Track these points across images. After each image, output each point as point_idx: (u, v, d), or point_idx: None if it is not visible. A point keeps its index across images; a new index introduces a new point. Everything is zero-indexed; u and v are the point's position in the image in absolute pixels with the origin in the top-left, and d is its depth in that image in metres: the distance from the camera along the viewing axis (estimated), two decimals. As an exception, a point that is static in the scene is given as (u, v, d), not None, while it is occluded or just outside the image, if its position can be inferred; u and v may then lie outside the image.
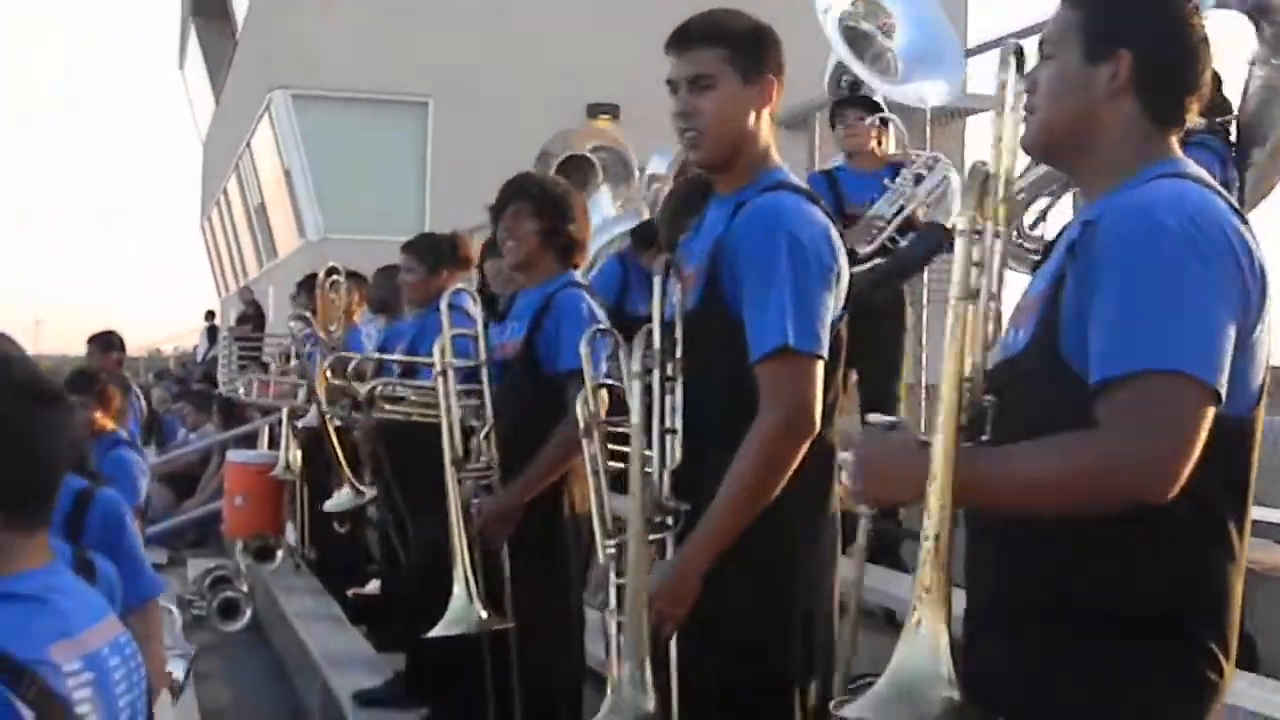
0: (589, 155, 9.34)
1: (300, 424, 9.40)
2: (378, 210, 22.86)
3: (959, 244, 2.22)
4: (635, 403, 3.29)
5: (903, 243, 6.95)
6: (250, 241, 30.93)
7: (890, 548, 6.68)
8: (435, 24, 23.02)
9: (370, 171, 23.72)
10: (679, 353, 3.37)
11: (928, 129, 8.07)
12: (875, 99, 7.17)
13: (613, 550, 3.59)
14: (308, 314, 9.33)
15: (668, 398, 3.34)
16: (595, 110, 21.39)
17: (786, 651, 3.35)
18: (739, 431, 3.25)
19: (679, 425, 3.32)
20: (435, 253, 7.50)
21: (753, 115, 3.43)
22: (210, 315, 31.95)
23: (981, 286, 2.21)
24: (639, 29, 22.48)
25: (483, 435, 5.13)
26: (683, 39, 3.45)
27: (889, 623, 6.30)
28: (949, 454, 2.15)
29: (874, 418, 2.40)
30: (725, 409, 3.30)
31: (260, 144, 26.86)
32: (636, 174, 9.46)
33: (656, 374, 3.34)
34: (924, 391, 8.27)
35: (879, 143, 7.18)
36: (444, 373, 5.14)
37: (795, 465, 3.26)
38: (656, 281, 3.39)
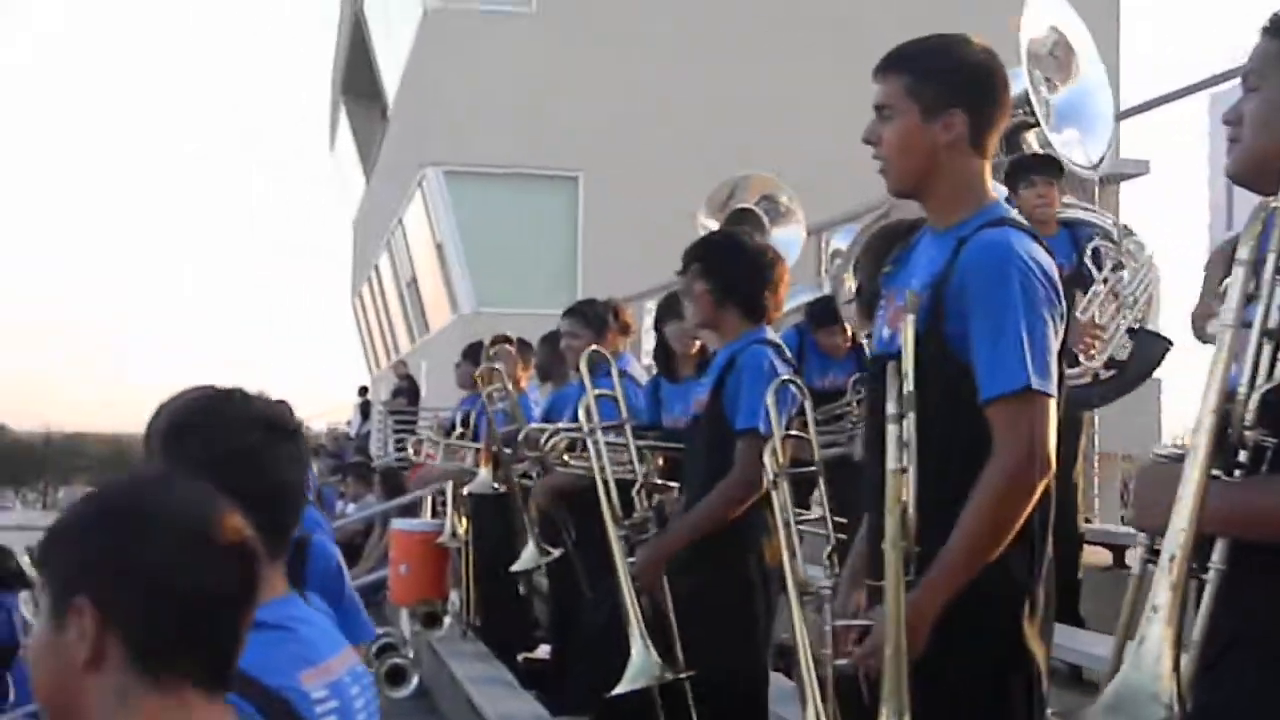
0: (753, 208, 9.29)
1: (468, 490, 9.43)
2: (529, 283, 23.09)
3: (1237, 272, 2.22)
4: (892, 446, 3.18)
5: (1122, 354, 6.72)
6: (401, 316, 31.37)
7: (1070, 607, 6.55)
8: (584, 98, 23.28)
9: (522, 245, 23.99)
10: (909, 388, 3.29)
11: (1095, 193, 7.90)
12: (1056, 158, 6.93)
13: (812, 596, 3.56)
14: (489, 374, 9.29)
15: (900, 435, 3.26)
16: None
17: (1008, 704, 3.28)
18: (948, 467, 3.20)
19: (908, 463, 3.22)
20: (598, 318, 7.56)
21: (941, 150, 3.37)
22: (364, 390, 32.38)
23: (1256, 318, 2.21)
24: (789, 95, 22.71)
25: (634, 491, 5.29)
26: (879, 64, 3.44)
27: (1074, 680, 6.21)
28: (1199, 478, 2.12)
29: (1160, 448, 2.38)
30: (938, 445, 3.23)
31: (412, 219, 27.29)
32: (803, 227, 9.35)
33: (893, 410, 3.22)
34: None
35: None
36: (592, 433, 5.36)
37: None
38: (906, 320, 3.29)
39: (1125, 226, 7.06)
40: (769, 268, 5.27)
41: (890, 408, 3.17)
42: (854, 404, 7.11)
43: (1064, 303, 3.31)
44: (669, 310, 6.77)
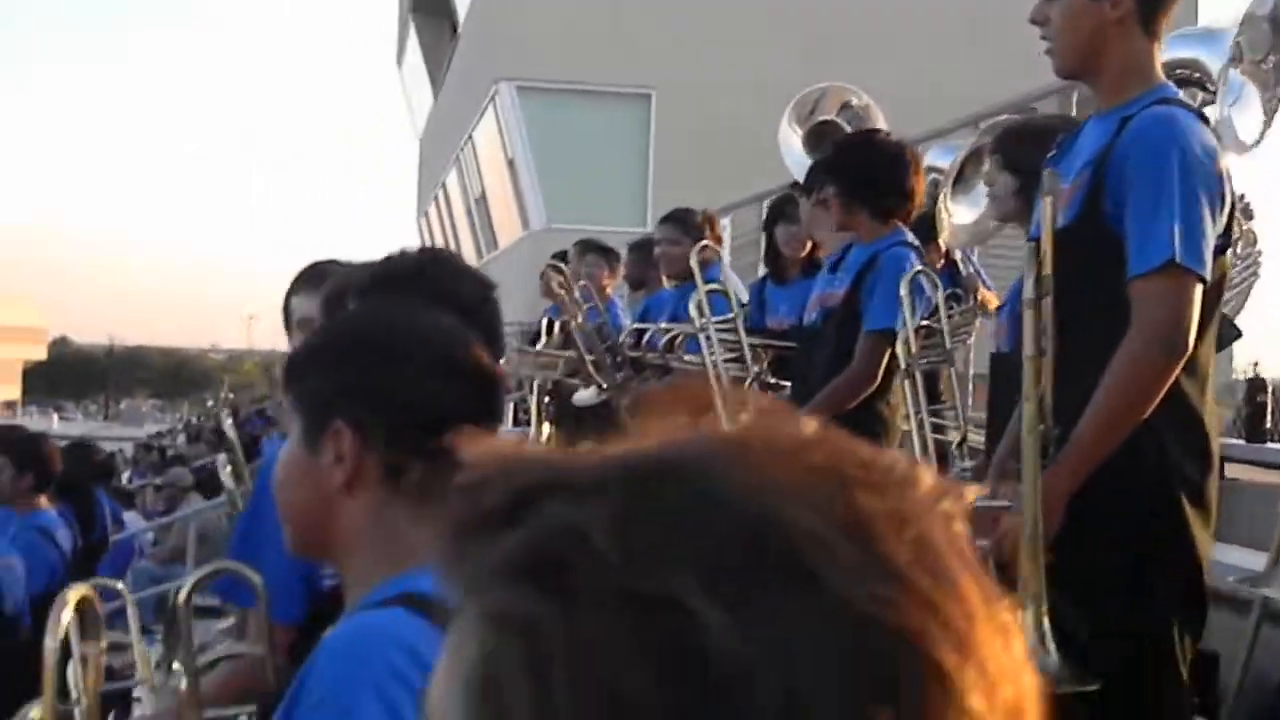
0: (835, 119, 9.23)
1: (575, 399, 9.44)
2: (601, 200, 23.05)
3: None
4: (1029, 331, 3.16)
5: None
6: (470, 233, 31.40)
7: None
8: (657, 14, 23.15)
9: (593, 161, 23.95)
10: (1046, 271, 3.28)
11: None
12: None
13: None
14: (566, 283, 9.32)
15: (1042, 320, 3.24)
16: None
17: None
18: (1109, 350, 3.16)
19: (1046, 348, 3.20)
20: (695, 226, 7.60)
21: (1109, 26, 3.34)
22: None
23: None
24: (868, 9, 22.52)
25: (745, 387, 5.34)
26: None
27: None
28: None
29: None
30: (1096, 327, 3.20)
31: (483, 135, 27.27)
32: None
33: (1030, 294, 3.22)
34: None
35: None
36: (704, 328, 5.44)
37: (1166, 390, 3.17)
38: (1044, 202, 3.29)
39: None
40: (902, 166, 5.27)
41: (1027, 291, 3.15)
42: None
43: (1228, 194, 3.26)
44: (779, 212, 6.78)
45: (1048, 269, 3.15)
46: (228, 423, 4.43)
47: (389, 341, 2.00)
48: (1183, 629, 3.26)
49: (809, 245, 6.47)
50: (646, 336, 7.11)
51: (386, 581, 1.92)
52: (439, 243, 37.38)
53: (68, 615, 2.52)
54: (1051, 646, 3.02)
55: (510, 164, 24.81)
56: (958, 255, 6.54)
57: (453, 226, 34.25)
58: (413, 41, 39.22)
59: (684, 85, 23.13)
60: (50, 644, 2.52)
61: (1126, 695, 3.18)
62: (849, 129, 8.79)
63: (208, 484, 20.01)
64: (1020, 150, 4.65)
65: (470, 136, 28.60)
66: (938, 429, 4.81)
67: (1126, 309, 3.17)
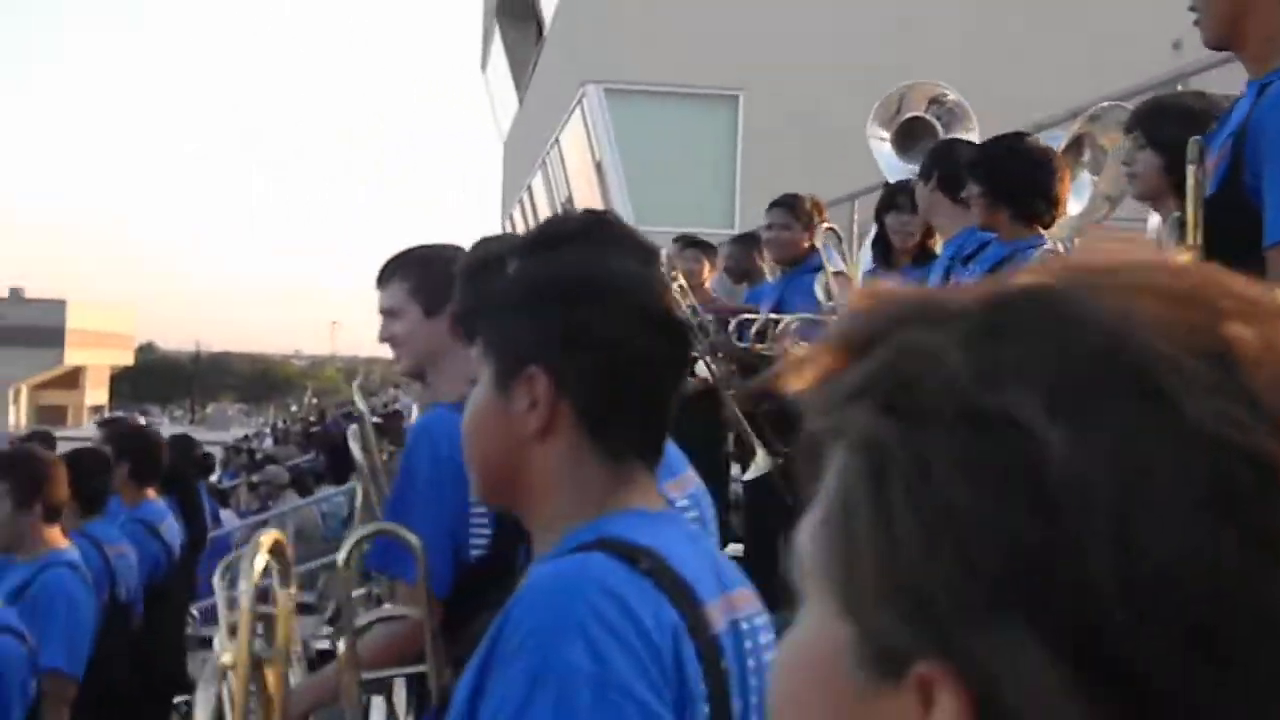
0: (924, 115, 9.21)
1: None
2: (688, 202, 23.08)
3: None
4: None
5: None
6: (555, 236, 31.50)
7: None
8: (745, 16, 23.15)
9: (681, 163, 23.98)
10: (1193, 242, 3.26)
11: None
12: None
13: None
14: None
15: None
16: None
17: None
18: None
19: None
20: (806, 213, 7.60)
21: None
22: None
23: None
24: (953, 12, 22.41)
25: None
26: None
27: None
28: None
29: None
30: None
31: (569, 138, 27.37)
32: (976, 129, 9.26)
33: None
34: None
35: None
36: (834, 310, 5.46)
37: None
38: (1190, 171, 3.28)
39: None
40: (1049, 172, 5.26)
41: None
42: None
43: None
44: (890, 201, 6.79)
45: (1195, 239, 3.15)
46: (357, 393, 4.45)
47: (584, 285, 1.98)
48: None
49: (919, 235, 6.47)
50: (756, 326, 7.12)
51: (580, 528, 1.93)
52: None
53: (261, 559, 2.56)
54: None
55: (598, 166, 24.88)
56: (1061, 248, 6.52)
57: (538, 229, 34.34)
58: (497, 45, 39.40)
59: (773, 86, 23.12)
60: (245, 587, 2.56)
61: None
62: (939, 126, 8.81)
63: (301, 482, 20.25)
64: (1164, 126, 4.60)
65: (557, 139, 28.71)
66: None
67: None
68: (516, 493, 2.02)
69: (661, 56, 23.61)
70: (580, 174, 27.05)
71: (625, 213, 23.72)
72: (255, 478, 20.23)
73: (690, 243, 9.55)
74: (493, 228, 45.09)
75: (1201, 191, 3.22)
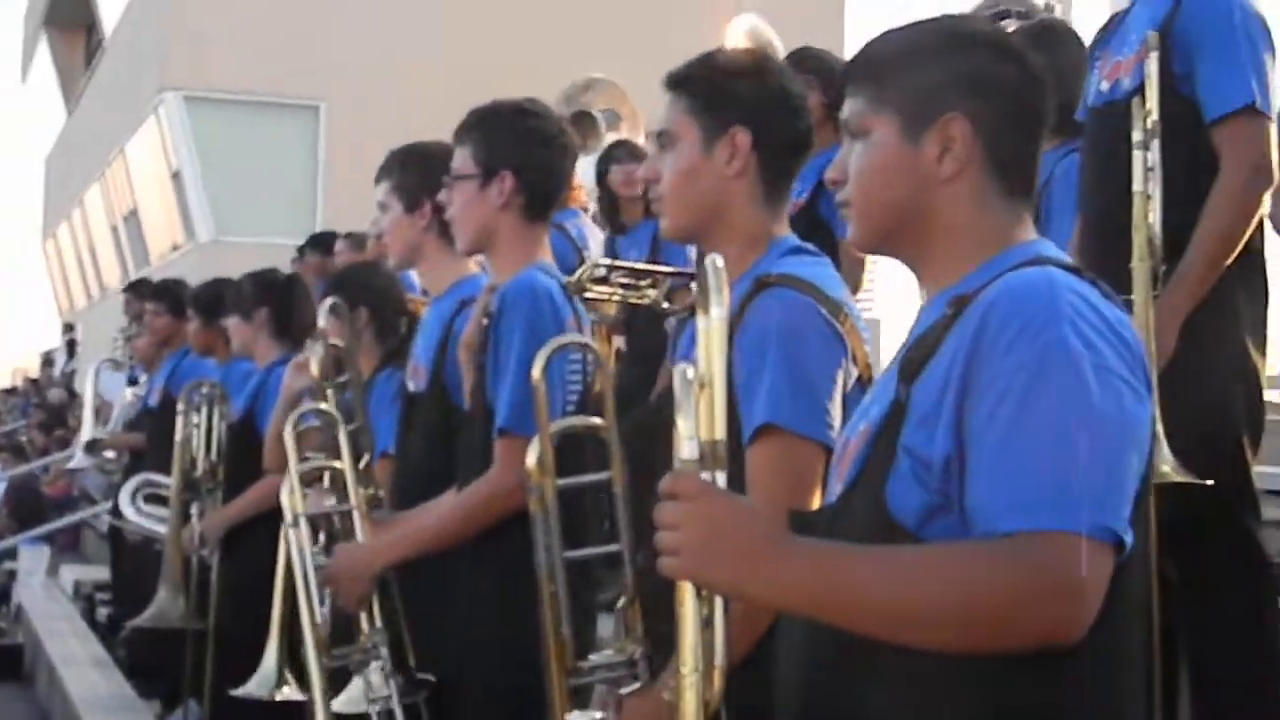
0: (593, 112, 9.49)
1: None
2: (269, 212, 22.79)
3: None
4: (1138, 170, 3.49)
5: None
6: (114, 252, 30.37)
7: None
8: (327, 26, 22.99)
9: (262, 173, 23.59)
10: (1154, 118, 3.52)
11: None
12: None
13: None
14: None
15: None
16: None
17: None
18: (1185, 207, 3.49)
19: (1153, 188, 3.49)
20: None
21: None
22: (70, 328, 31.35)
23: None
24: (536, 25, 22.73)
25: None
26: None
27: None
28: None
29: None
30: (1164, 180, 3.50)
31: (138, 148, 26.52)
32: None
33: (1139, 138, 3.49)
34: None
35: None
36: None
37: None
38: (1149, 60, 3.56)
39: None
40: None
41: (1136, 135, 3.49)
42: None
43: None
44: (609, 158, 7.03)
45: (1155, 116, 3.48)
46: None
47: (982, 37, 2.16)
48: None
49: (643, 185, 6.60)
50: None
51: (993, 260, 2.07)
52: (71, 265, 35.96)
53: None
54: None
55: (175, 176, 24.22)
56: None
57: (90, 245, 33.00)
58: (43, 55, 37.76)
59: (354, 97, 23.02)
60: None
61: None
62: (602, 125, 9.12)
63: None
64: None
65: (122, 150, 27.76)
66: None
67: (1192, 161, 3.53)
68: (920, 237, 2.15)
69: (243, 64, 23.18)
70: (151, 185, 26.28)
71: (205, 223, 23.26)
72: None
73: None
74: (34, 246, 43.01)
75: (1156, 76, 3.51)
